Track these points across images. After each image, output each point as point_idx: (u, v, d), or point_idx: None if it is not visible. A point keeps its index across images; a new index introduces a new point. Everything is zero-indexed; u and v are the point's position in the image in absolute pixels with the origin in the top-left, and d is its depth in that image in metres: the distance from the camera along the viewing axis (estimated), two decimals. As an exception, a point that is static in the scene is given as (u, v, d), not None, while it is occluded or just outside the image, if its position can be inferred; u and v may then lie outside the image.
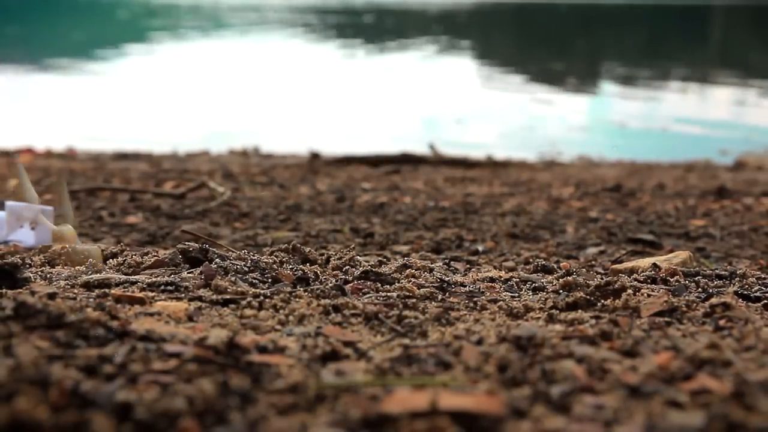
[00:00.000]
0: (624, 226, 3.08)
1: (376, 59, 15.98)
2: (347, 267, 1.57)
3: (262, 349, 1.02)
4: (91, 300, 1.23)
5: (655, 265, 1.70)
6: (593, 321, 1.21)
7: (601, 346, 1.07)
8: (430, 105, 10.28)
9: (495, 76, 13.71)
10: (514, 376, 0.93)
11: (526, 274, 1.67)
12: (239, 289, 1.33)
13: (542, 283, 1.53)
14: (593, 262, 2.14)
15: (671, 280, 1.58)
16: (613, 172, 5.41)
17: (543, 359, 0.99)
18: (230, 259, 1.52)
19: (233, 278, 1.39)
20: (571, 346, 1.05)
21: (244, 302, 1.27)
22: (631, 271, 1.72)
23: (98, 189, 3.57)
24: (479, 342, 1.09)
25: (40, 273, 1.49)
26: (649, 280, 1.58)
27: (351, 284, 1.43)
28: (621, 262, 2.03)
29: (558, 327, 1.18)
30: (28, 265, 1.57)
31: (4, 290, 1.29)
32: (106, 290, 1.33)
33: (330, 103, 9.66)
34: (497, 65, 15.22)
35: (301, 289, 1.37)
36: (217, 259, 1.51)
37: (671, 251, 2.25)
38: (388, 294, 1.37)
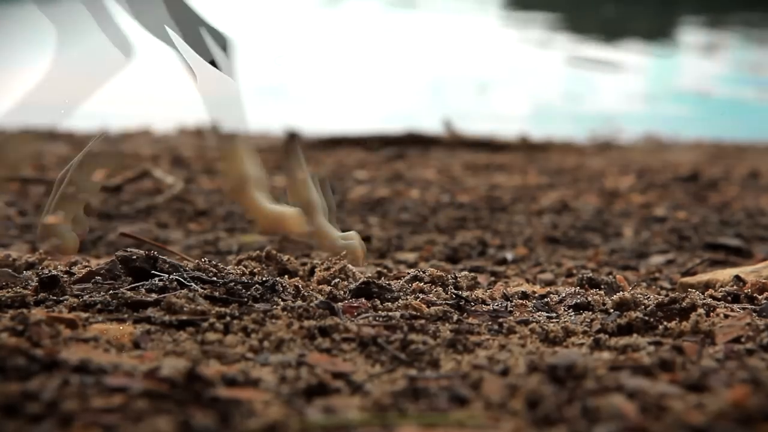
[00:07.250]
0: (701, 227, 3.10)
1: (372, 13, 15.95)
2: (337, 279, 1.61)
3: (231, 382, 1.07)
4: (7, 322, 1.25)
5: (738, 278, 1.72)
6: (651, 348, 1.25)
7: (659, 378, 1.10)
8: (443, 69, 10.25)
9: (530, 28, 13.69)
10: (548, 414, 0.97)
11: (567, 290, 1.70)
12: (199, 307, 1.37)
13: (588, 300, 1.56)
14: (657, 275, 2.18)
15: (759, 297, 1.61)
16: (689, 157, 5.44)
17: (584, 394, 1.03)
18: (186, 270, 1.56)
19: (191, 294, 1.43)
20: (621, 378, 1.08)
21: (205, 324, 1.31)
22: (706, 286, 1.75)
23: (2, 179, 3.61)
24: (504, 372, 1.13)
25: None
26: (729, 298, 1.61)
27: (342, 301, 1.48)
28: (694, 274, 2.07)
29: (606, 355, 1.22)
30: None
31: None
32: (24, 311, 1.35)
33: (314, 67, 9.67)
34: (532, 14, 15.18)
35: (279, 307, 1.41)
36: (169, 270, 1.56)
37: (763, 260, 2.28)
38: (390, 313, 1.41)
